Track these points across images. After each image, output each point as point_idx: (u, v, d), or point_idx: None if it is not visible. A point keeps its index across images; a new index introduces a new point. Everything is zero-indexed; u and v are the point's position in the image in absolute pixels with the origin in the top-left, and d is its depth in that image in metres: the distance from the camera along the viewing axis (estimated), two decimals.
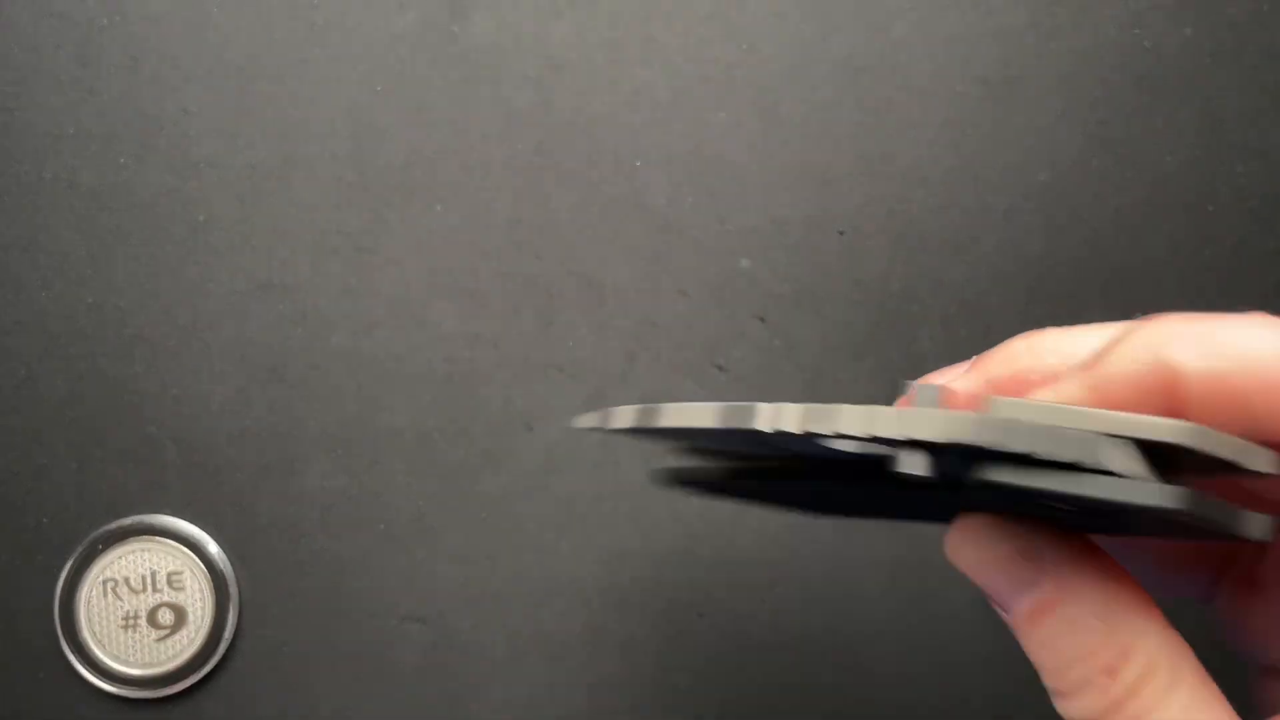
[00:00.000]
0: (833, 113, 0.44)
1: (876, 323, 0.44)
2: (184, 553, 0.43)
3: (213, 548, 0.43)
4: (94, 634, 0.42)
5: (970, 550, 0.25)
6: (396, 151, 0.43)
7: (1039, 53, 0.44)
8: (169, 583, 0.43)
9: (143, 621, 0.43)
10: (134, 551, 0.43)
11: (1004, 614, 0.25)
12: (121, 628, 0.42)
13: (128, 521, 0.43)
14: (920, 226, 0.44)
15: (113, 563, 0.42)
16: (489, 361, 0.44)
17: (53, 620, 0.42)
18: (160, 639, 0.43)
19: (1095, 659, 0.24)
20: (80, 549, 0.42)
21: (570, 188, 0.44)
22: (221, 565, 0.43)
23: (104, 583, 0.42)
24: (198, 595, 0.43)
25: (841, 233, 0.44)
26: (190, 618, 0.43)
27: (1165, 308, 0.44)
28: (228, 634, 0.43)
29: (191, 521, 0.43)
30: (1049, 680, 0.25)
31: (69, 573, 0.42)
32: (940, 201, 0.44)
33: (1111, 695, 0.23)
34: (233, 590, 0.43)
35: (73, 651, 0.42)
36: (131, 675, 0.42)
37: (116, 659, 0.42)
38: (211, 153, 0.43)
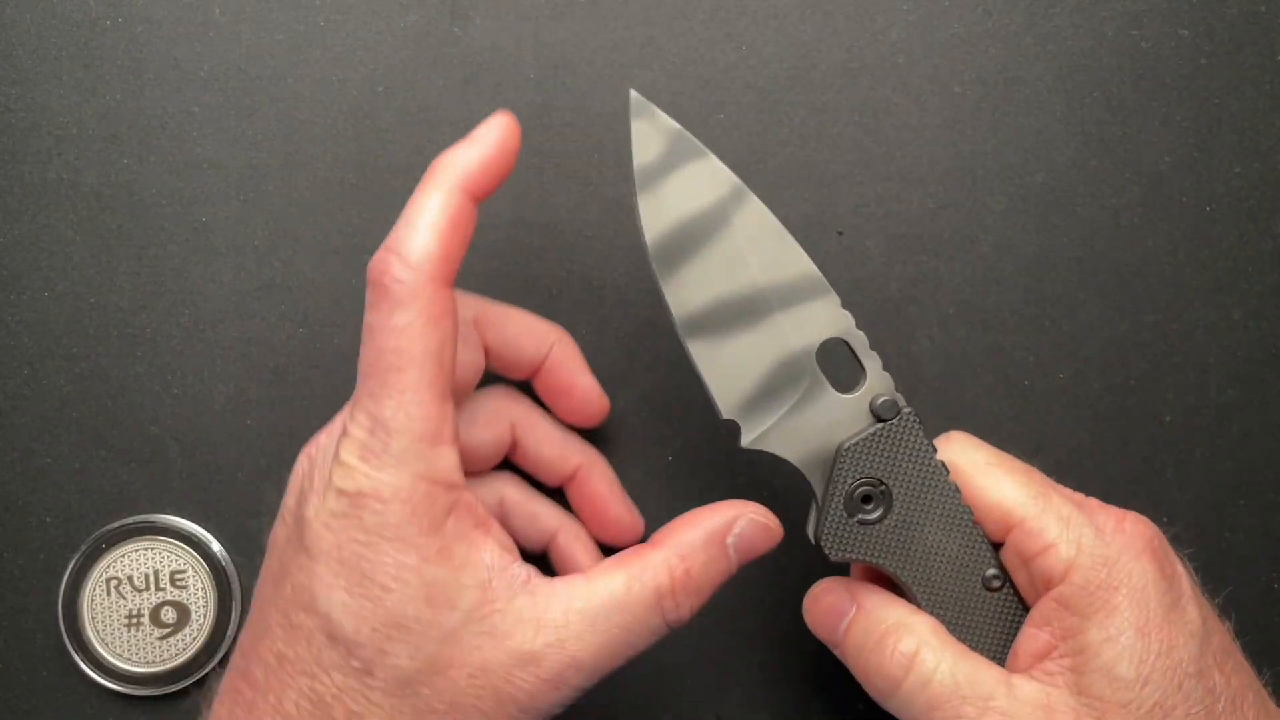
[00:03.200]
0: (832, 113, 0.44)
1: (876, 323, 0.44)
2: (187, 551, 0.43)
3: (215, 546, 0.43)
4: (97, 632, 0.43)
5: (816, 613, 0.38)
6: (398, 152, 0.43)
7: (1037, 54, 0.44)
8: (172, 581, 0.43)
9: (146, 620, 0.43)
10: (137, 550, 0.43)
11: (837, 648, 0.37)
12: (125, 626, 0.43)
13: (130, 520, 0.43)
14: (919, 227, 0.44)
15: (116, 561, 0.43)
16: None
17: (56, 618, 0.43)
18: (163, 637, 0.43)
19: (890, 637, 0.35)
20: (83, 548, 0.43)
21: (570, 188, 0.44)
22: (224, 564, 0.43)
23: (107, 581, 0.43)
24: (200, 594, 0.43)
25: (841, 233, 0.44)
26: (193, 616, 0.43)
27: (1162, 308, 0.44)
28: (230, 632, 0.43)
29: (194, 520, 0.43)
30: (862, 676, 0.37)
31: (72, 571, 0.43)
32: (938, 202, 0.44)
33: (902, 660, 0.35)
34: (235, 588, 0.43)
35: (76, 650, 0.43)
36: (135, 673, 0.43)
37: (120, 657, 0.43)
38: (213, 154, 0.43)
